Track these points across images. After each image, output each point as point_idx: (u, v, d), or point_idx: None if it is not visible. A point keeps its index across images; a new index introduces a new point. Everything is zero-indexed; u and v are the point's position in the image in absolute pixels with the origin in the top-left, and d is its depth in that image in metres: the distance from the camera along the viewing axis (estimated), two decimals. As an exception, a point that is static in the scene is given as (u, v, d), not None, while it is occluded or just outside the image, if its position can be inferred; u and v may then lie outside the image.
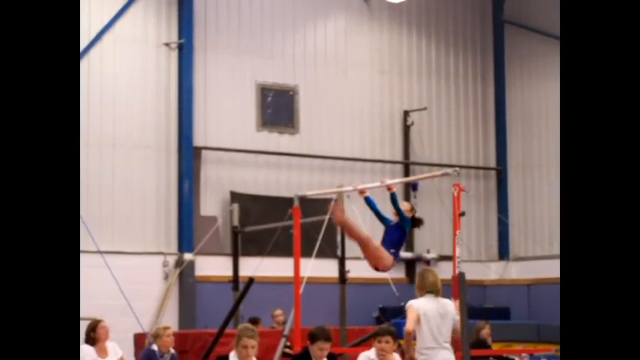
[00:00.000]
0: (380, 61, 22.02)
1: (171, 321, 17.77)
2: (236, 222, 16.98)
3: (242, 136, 20.12)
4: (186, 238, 19.18)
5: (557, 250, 20.14)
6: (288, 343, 13.37)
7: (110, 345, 12.67)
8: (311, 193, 14.62)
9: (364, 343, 13.66)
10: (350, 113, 21.48)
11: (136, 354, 15.57)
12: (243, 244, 17.23)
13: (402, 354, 10.55)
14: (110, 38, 18.92)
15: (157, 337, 13.29)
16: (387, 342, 9.84)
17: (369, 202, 11.34)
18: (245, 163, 20.16)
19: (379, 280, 17.89)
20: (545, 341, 18.22)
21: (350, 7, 21.71)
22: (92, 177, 18.35)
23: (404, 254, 21.12)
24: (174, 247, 19.27)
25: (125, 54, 19.07)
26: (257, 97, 20.45)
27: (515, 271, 22.70)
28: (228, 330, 13.77)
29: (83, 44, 18.39)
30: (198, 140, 19.59)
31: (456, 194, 11.10)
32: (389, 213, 11.24)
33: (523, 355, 17.58)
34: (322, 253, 14.54)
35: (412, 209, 11.26)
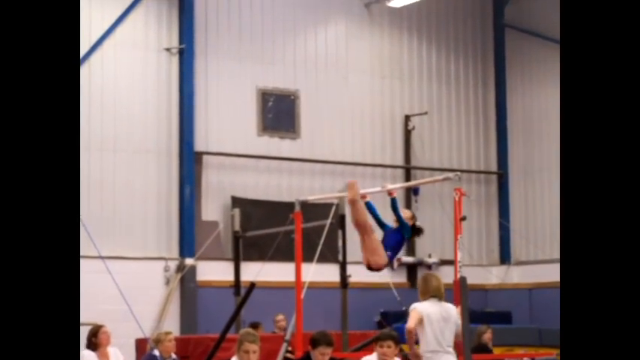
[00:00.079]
0: (381, 66, 22.03)
1: (172, 326, 17.78)
2: (237, 227, 16.96)
3: (243, 141, 20.14)
4: (187, 243, 19.18)
5: (558, 255, 20.13)
6: (290, 348, 13.36)
7: (112, 350, 12.66)
8: (312, 197, 14.64)
9: (366, 347, 13.65)
10: (351, 118, 21.49)
11: (138, 359, 15.58)
12: (244, 248, 17.21)
13: (404, 358, 10.54)
14: (111, 43, 18.93)
15: (158, 342, 13.29)
16: (388, 347, 9.82)
17: (369, 207, 11.29)
18: (246, 167, 20.16)
19: (381, 285, 17.93)
20: (547, 345, 18.22)
21: (350, 12, 21.72)
22: (93, 182, 18.36)
23: (405, 258, 21.14)
24: (175, 252, 19.27)
25: (126, 59, 19.09)
26: (258, 102, 20.47)
27: (516, 276, 22.69)
28: (230, 335, 13.77)
29: (84, 49, 18.41)
30: (200, 145, 19.60)
31: (457, 199, 11.08)
32: (389, 219, 11.19)
33: (525, 359, 17.59)
34: (323, 258, 14.56)
35: (413, 217, 11.20)
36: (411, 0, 21.48)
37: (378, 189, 12.13)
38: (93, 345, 12.47)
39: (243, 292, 15.39)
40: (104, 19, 18.86)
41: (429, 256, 21.82)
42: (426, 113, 22.25)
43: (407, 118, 22.15)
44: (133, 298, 16.94)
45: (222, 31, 20.18)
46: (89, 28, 18.55)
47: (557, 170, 20.09)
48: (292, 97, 20.85)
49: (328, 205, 14.99)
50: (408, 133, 22.14)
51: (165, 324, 18.27)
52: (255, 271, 15.79)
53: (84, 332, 12.29)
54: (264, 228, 17.31)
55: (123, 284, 16.51)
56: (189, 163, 19.34)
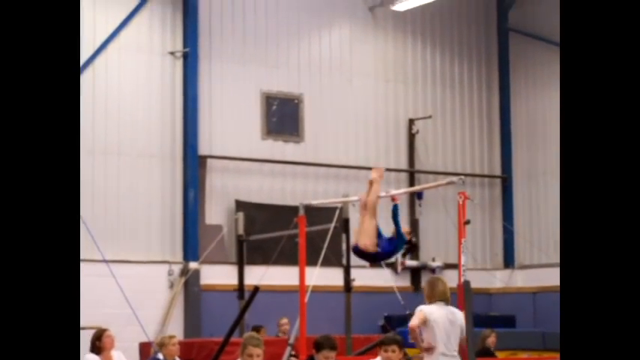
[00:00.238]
0: (385, 70, 22.02)
1: (176, 330, 17.77)
2: (241, 230, 16.99)
3: (247, 144, 20.13)
4: (191, 247, 19.17)
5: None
6: (294, 352, 13.36)
7: (115, 354, 12.67)
8: (316, 201, 14.63)
9: (370, 351, 13.66)
10: (355, 121, 21.49)
11: (142, 363, 15.58)
12: (248, 252, 17.23)
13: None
14: (115, 47, 18.94)
15: (162, 345, 13.30)
16: (393, 351, 9.83)
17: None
18: (250, 171, 20.16)
19: (385, 289, 17.93)
20: (551, 349, 18.20)
21: (355, 15, 21.72)
22: (97, 186, 18.37)
23: (409, 262, 21.13)
24: (179, 255, 19.27)
25: (130, 63, 19.09)
26: (262, 106, 20.46)
27: (520, 279, 22.67)
28: (234, 339, 13.78)
29: (88, 53, 18.43)
30: (204, 149, 19.60)
31: (461, 202, 11.06)
32: (387, 231, 11.12)
33: (529, 363, 17.58)
34: (327, 262, 14.55)
35: (410, 233, 11.19)
36: (415, 4, 21.47)
37: (383, 194, 12.12)
38: (97, 349, 12.48)
39: (247, 295, 15.41)
40: (108, 23, 18.86)
41: (433, 259, 21.80)
42: (430, 117, 22.24)
43: (411, 121, 22.14)
44: (137, 302, 16.94)
45: (227, 35, 20.19)
46: (93, 32, 18.56)
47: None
48: (296, 101, 20.85)
49: (332, 209, 14.99)
50: (412, 137, 22.13)
51: (169, 328, 18.27)
52: (259, 275, 15.81)
53: (88, 336, 12.32)
54: (268, 232, 17.32)
55: (127, 288, 16.50)
56: (193, 166, 19.34)
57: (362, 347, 14.66)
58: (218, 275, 19.07)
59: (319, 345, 9.22)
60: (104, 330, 12.66)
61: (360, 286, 15.95)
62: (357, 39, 21.69)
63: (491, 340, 16.10)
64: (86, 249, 15.21)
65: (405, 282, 21.10)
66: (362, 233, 10.71)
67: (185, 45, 19.52)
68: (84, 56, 18.27)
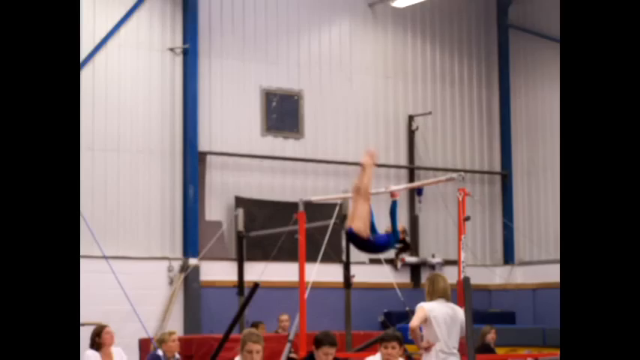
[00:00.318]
0: (384, 66, 22.02)
1: (176, 326, 17.78)
2: (241, 227, 16.97)
3: (247, 140, 20.14)
4: (191, 243, 19.18)
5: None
6: (293, 351, 13.36)
7: (115, 350, 12.65)
8: (316, 198, 14.64)
9: (369, 347, 13.66)
10: (355, 118, 21.49)
11: (141, 359, 15.58)
12: (248, 248, 17.21)
13: (408, 359, 10.54)
14: (115, 43, 18.94)
15: (162, 342, 13.30)
16: (393, 347, 9.81)
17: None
18: (250, 167, 20.16)
19: (384, 285, 17.93)
20: (551, 346, 18.19)
21: (354, 12, 21.71)
22: (97, 182, 18.38)
23: (409, 259, 21.13)
24: (179, 252, 19.27)
25: (130, 59, 19.09)
26: (262, 102, 20.46)
27: (520, 276, 22.67)
28: (234, 335, 13.77)
29: (88, 49, 18.43)
30: (203, 145, 19.60)
31: (460, 199, 11.05)
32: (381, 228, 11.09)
33: (528, 359, 17.58)
34: (327, 258, 14.57)
35: (405, 232, 11.16)
36: (414, 0, 21.46)
37: (382, 189, 12.12)
38: (96, 345, 12.46)
39: (246, 292, 15.40)
40: (108, 19, 18.86)
41: (433, 256, 21.80)
42: (429, 113, 22.24)
43: (411, 118, 22.14)
44: (137, 298, 16.92)
45: (226, 31, 20.18)
46: (93, 29, 18.56)
47: (561, 170, 20.15)
48: (296, 97, 20.85)
49: (332, 205, 14.99)
50: (411, 134, 22.13)
51: (168, 324, 18.29)
52: (258, 271, 15.80)
53: (88, 332, 12.30)
54: (267, 228, 17.31)
55: (126, 284, 16.47)
56: (193, 163, 19.34)
57: (362, 343, 14.66)
58: (218, 271, 19.08)
59: (319, 341, 9.21)
60: (104, 326, 12.64)
61: (359, 282, 15.95)
62: (357, 35, 21.68)
63: (491, 337, 16.10)
64: (86, 245, 15.20)
65: (404, 278, 21.11)
66: (355, 217, 10.62)
67: (185, 41, 19.52)
68: (84, 52, 18.28)
